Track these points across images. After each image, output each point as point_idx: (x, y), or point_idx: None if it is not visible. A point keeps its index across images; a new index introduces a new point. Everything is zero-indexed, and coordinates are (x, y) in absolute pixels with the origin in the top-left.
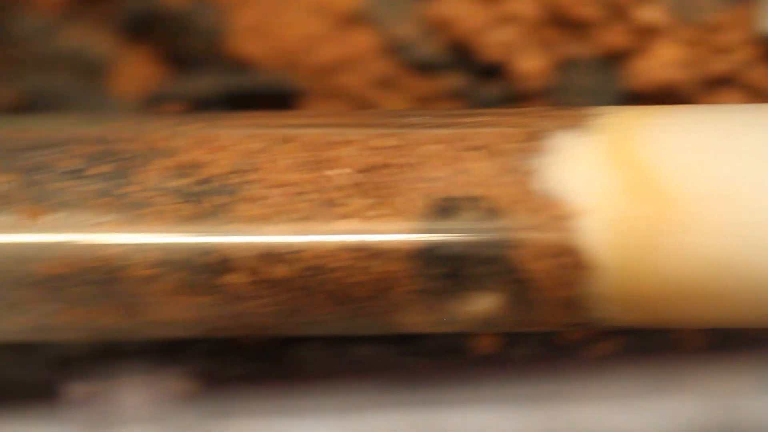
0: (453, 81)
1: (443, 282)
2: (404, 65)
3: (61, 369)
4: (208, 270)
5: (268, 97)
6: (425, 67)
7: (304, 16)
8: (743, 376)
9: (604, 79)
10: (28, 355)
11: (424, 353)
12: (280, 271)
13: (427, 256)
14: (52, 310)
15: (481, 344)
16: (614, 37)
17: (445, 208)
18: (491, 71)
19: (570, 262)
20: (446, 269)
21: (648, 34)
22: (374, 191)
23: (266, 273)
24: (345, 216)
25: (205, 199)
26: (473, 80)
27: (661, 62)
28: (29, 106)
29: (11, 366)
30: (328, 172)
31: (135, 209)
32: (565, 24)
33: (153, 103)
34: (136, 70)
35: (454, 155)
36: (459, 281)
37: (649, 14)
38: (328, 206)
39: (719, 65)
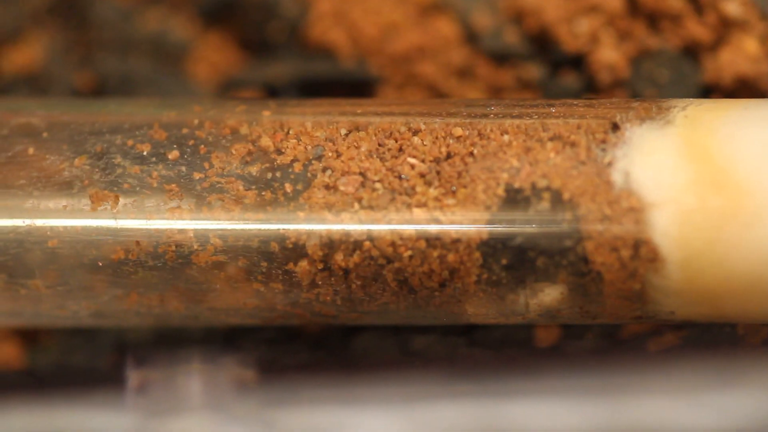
0: (531, 71)
1: (512, 273)
2: (482, 54)
3: (122, 355)
4: (278, 257)
5: (345, 84)
6: (503, 57)
7: (384, 3)
8: None
9: (683, 72)
10: (92, 340)
11: (486, 344)
12: (350, 258)
13: (496, 246)
14: (117, 295)
15: (544, 336)
16: (697, 30)
17: (516, 199)
18: (570, 62)
19: (639, 254)
20: (516, 260)
21: (729, 27)
22: (446, 181)
23: (336, 261)
24: (416, 205)
25: (276, 186)
26: (551, 71)
27: (740, 56)
28: (107, 89)
29: (76, 351)
30: (400, 161)
31: (205, 195)
32: (647, 15)
33: (229, 89)
34: (213, 56)
35: (527, 146)
36: (527, 272)
37: (734, 8)
38: (399, 195)
39: None
